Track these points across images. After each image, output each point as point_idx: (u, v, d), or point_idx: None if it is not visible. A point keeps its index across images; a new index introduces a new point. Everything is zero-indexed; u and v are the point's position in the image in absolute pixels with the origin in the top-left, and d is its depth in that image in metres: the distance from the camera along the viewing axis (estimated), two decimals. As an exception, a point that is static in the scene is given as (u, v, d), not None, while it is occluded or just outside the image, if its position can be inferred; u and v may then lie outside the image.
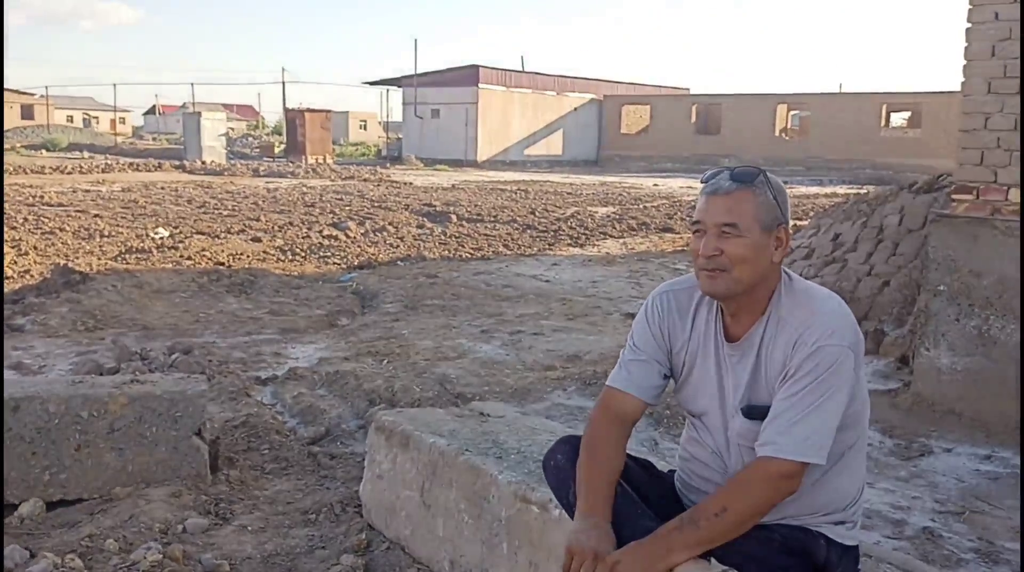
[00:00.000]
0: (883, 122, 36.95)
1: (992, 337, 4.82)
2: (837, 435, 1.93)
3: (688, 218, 16.41)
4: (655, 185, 27.42)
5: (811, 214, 15.56)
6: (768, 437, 1.90)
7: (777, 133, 39.98)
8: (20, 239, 11.13)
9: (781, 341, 1.97)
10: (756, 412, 1.98)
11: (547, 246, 12.82)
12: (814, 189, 26.69)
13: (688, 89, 49.01)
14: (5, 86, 55.58)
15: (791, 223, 2.06)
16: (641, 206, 19.06)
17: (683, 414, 4.52)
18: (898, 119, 41.05)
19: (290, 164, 32.27)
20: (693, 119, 42.06)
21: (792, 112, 43.17)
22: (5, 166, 25.45)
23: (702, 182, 2.05)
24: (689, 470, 2.20)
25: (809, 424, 1.87)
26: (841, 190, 25.42)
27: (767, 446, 1.89)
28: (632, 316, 7.80)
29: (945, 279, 5.00)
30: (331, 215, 15.29)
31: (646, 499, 2.08)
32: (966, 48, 4.93)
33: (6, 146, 39.93)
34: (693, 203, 19.57)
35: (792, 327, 1.96)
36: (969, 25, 4.91)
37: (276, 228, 13.44)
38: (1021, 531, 3.47)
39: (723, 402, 2.08)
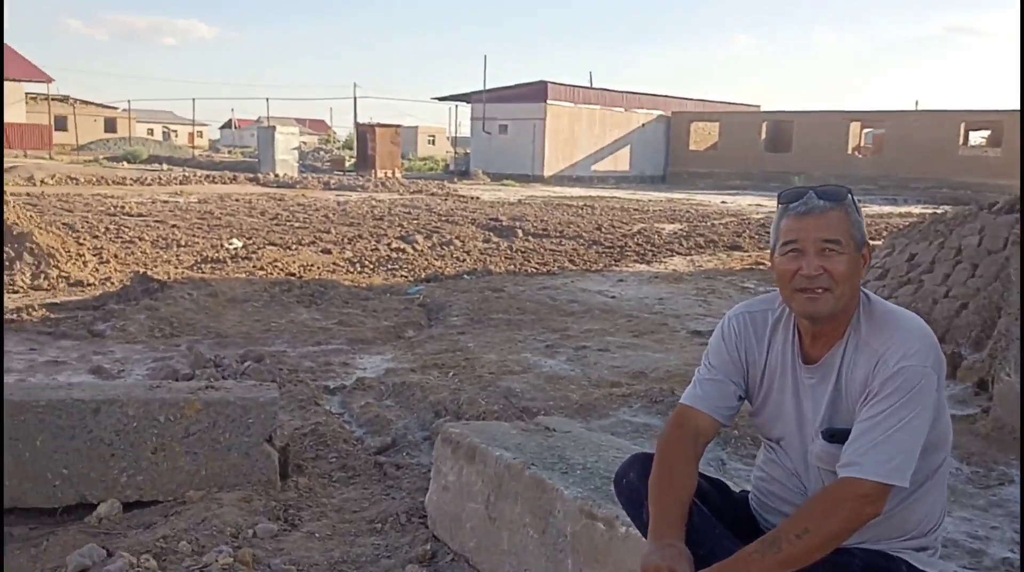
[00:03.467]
0: (961, 140, 35.99)
1: (1078, 363, 4.64)
2: (920, 459, 1.88)
3: (757, 237, 16.19)
4: (723, 202, 27.14)
5: (885, 234, 15.22)
6: (850, 458, 1.86)
7: (850, 151, 39.23)
8: (102, 247, 11.51)
9: (862, 362, 1.93)
10: (837, 435, 1.94)
11: (613, 262, 12.76)
12: (888, 208, 26.12)
13: (758, 106, 48.47)
14: (89, 100, 57.21)
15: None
16: (709, 223, 18.88)
17: (751, 434, 4.46)
18: (977, 138, 39.98)
19: (360, 178, 32.75)
20: (763, 136, 41.56)
21: (866, 130, 42.37)
22: (90, 177, 26.36)
23: (784, 202, 2.00)
24: (767, 491, 2.16)
25: (892, 446, 1.83)
26: (916, 210, 24.83)
27: (850, 467, 1.85)
28: (699, 334, 7.73)
29: (1028, 302, 4.84)
30: (399, 228, 15.47)
31: (721, 519, 2.05)
32: (1053, 65, 4.79)
33: (90, 158, 41.35)
34: (762, 222, 19.34)
35: (873, 348, 1.92)
36: (1056, 41, 4.76)
37: (345, 240, 13.66)
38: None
39: (802, 425, 2.05)
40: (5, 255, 9.60)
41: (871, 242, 2.01)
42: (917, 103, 47.34)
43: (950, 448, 2.04)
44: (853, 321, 1.98)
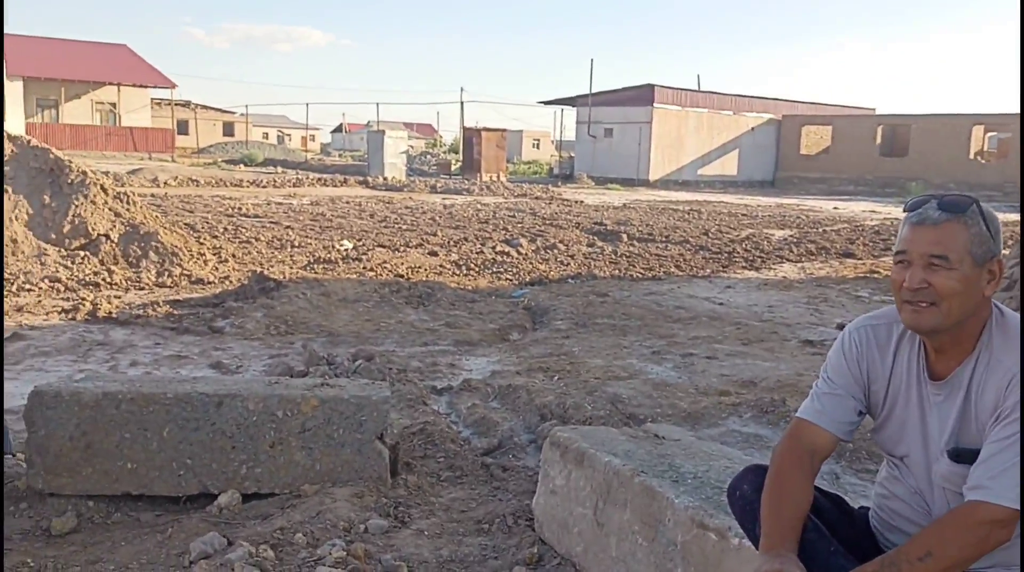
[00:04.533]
0: (1096, 144, 34.00)
1: None
2: None
3: (871, 245, 15.67)
4: (835, 208, 26.36)
5: (1010, 243, 14.50)
6: (978, 480, 1.78)
7: (972, 155, 37.55)
8: (221, 247, 11.98)
9: (993, 380, 1.84)
10: (964, 455, 1.86)
11: (721, 268, 12.55)
12: (1013, 216, 24.85)
13: (873, 109, 46.96)
14: (210, 105, 59.60)
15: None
16: (820, 230, 18.37)
17: (866, 448, 4.32)
18: (1113, 141, 37.67)
19: (465, 181, 33.17)
20: (878, 140, 40.19)
21: (989, 134, 40.47)
22: (209, 179, 27.49)
23: (906, 210, 1.95)
24: (888, 509, 2.09)
25: None
26: (1045, 217, 23.57)
27: (978, 490, 1.77)
28: (811, 343, 7.53)
29: None
30: (504, 232, 15.59)
31: (837, 536, 1.99)
32: None
33: (209, 160, 43.10)
34: (876, 229, 18.70)
35: (1005, 365, 1.83)
36: None
37: (452, 243, 13.85)
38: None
39: (927, 444, 1.97)
40: (132, 253, 10.11)
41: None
42: (1047, 105, 44.87)
43: None
44: (984, 337, 1.90)
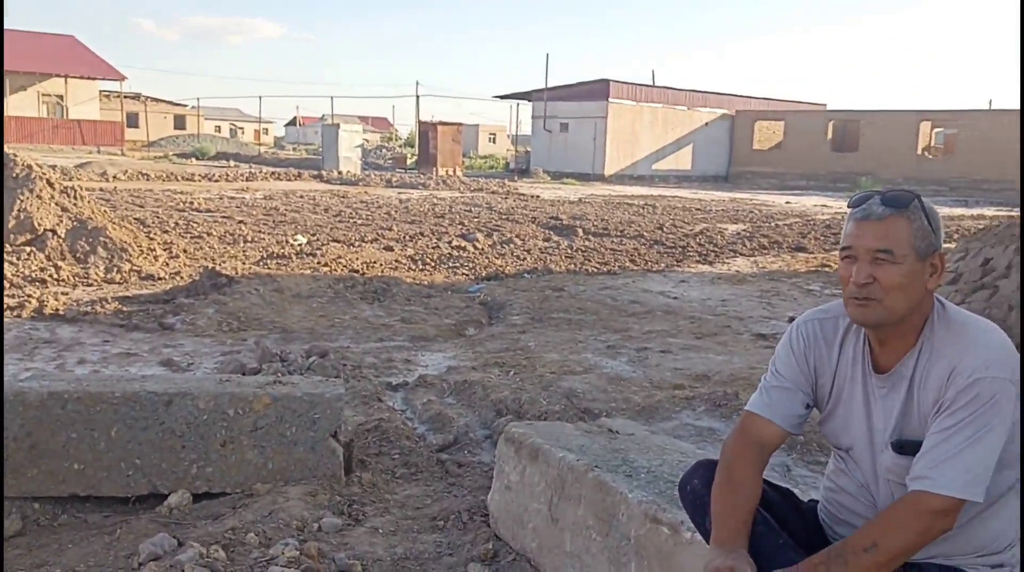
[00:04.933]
0: (1037, 141, 34.86)
1: None
2: (996, 473, 1.82)
3: (822, 239, 15.91)
4: (788, 203, 26.71)
5: (956, 237, 14.81)
6: (921, 471, 1.82)
7: (920, 151, 38.30)
8: (171, 242, 11.80)
9: (935, 372, 1.88)
10: (907, 447, 1.90)
11: (675, 262, 12.65)
12: (959, 210, 25.43)
13: (824, 105, 47.58)
14: (160, 97, 58.58)
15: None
16: (773, 224, 18.60)
17: (817, 441, 4.39)
18: (1054, 138, 38.65)
19: (421, 176, 33.03)
20: (829, 135, 40.81)
21: (936, 129, 41.31)
22: (160, 173, 27.04)
23: (850, 206, 1.98)
24: (836, 502, 2.12)
25: (965, 459, 1.78)
26: (989, 212, 24.13)
27: (920, 480, 1.81)
28: (763, 337, 7.62)
29: (1110, 310, 4.67)
30: (460, 226, 15.56)
31: (787, 529, 2.01)
32: None
33: (160, 154, 42.42)
34: (828, 223, 18.98)
35: (947, 358, 1.87)
36: None
37: (407, 238, 13.78)
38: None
39: (871, 436, 2.00)
40: (80, 249, 9.90)
41: (943, 246, 1.94)
42: (991, 103, 45.98)
43: None
44: (926, 330, 1.93)
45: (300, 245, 12.41)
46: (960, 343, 1.87)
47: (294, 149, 62.17)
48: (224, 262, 10.48)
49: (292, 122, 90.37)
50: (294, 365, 5.89)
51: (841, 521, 2.09)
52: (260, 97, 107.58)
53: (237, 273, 9.44)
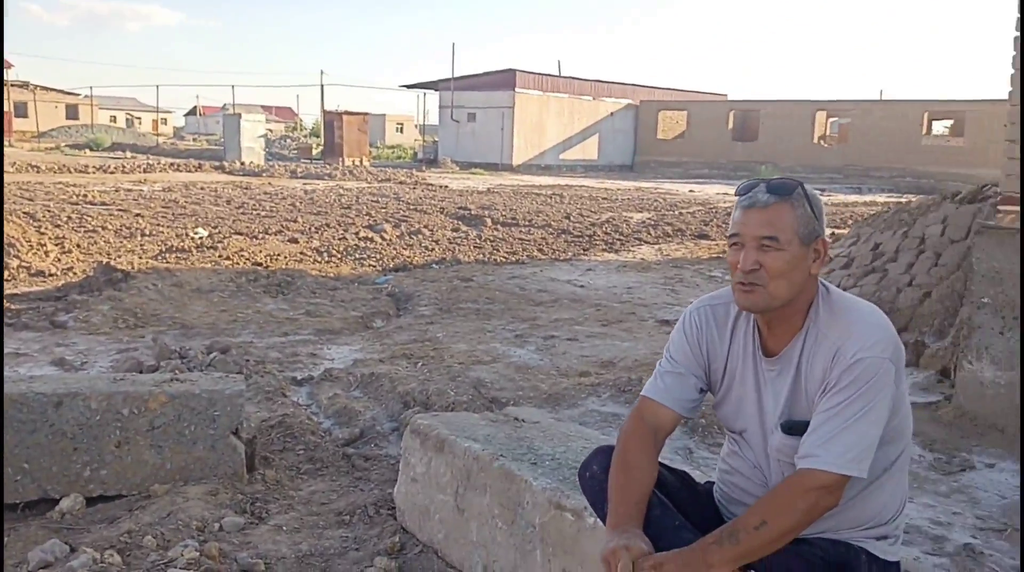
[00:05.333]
0: (925, 130, 36.45)
1: (1037, 351, 4.73)
2: (879, 449, 1.90)
3: (724, 226, 16.31)
4: (691, 191, 27.27)
5: (850, 222, 15.38)
6: (808, 450, 1.87)
7: (815, 140, 39.60)
8: (64, 237, 11.33)
9: (820, 354, 1.94)
10: (796, 428, 1.95)
11: (582, 251, 12.79)
12: (852, 197, 26.40)
13: (725, 95, 48.74)
14: (50, 86, 56.26)
15: (831, 232, 2.03)
16: (677, 212, 18.97)
17: (718, 424, 4.49)
18: (940, 127, 40.50)
19: (327, 166, 32.54)
20: (730, 125, 41.82)
21: (831, 119, 42.77)
22: (51, 165, 25.92)
23: (737, 194, 2.03)
24: (730, 483, 2.18)
25: (849, 437, 1.85)
26: (880, 199, 25.11)
27: (807, 459, 1.87)
28: (667, 323, 7.77)
29: (989, 291, 4.91)
30: (367, 217, 15.38)
31: (683, 511, 2.05)
32: (1013, 57, 4.85)
33: (51, 145, 40.67)
34: (729, 210, 19.46)
35: (831, 340, 1.93)
36: (1017, 33, 4.82)
37: (313, 229, 13.56)
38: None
39: (763, 418, 2.06)
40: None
41: (836, 231, 2.02)
42: (881, 93, 47.80)
43: (910, 439, 2.06)
44: (811, 313, 1.99)
45: (201, 238, 12.08)
46: (843, 325, 1.93)
47: (195, 140, 60.38)
48: (120, 257, 10.12)
49: (192, 112, 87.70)
50: (194, 362, 5.73)
51: (735, 501, 2.15)
52: (158, 86, 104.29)
53: (134, 268, 9.13)
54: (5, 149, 33.61)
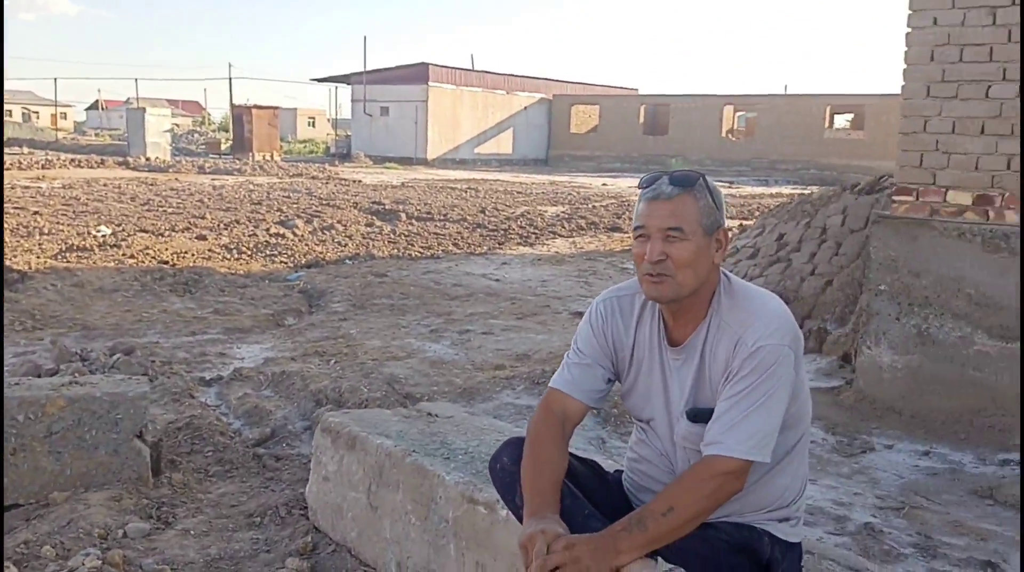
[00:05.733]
0: (827, 123, 37.62)
1: (931, 336, 4.94)
2: (780, 434, 1.94)
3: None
4: (604, 184, 27.57)
5: (757, 214, 15.77)
6: (712, 436, 1.91)
7: (724, 134, 40.46)
8: (-46, 236, 10.80)
9: (723, 343, 1.98)
10: (701, 415, 1.99)
11: (497, 245, 12.81)
12: (760, 189, 27.08)
13: (636, 89, 49.40)
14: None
15: (739, 223, 2.07)
16: (590, 205, 19.16)
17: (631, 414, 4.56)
18: (842, 121, 41.84)
19: (237, 161, 31.82)
20: (641, 119, 42.40)
21: (739, 113, 43.75)
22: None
23: (640, 187, 2.05)
24: (639, 471, 2.21)
25: (752, 423, 1.89)
26: (786, 190, 25.82)
27: (712, 445, 1.90)
28: (581, 315, 7.83)
29: (886, 279, 5.11)
30: (278, 213, 15.09)
31: (593, 500, 2.07)
32: (905, 52, 5.04)
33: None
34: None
35: (733, 328, 1.97)
36: (909, 30, 5.01)
37: (222, 226, 13.24)
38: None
39: (669, 407, 2.09)
40: None
41: (744, 222, 2.07)
42: (786, 87, 49.24)
43: (809, 423, 2.13)
44: (714, 303, 2.03)
45: (104, 236, 11.67)
46: (744, 314, 1.98)
47: (97, 134, 58.31)
48: (16, 257, 9.70)
49: (94, 106, 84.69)
50: (96, 364, 5.54)
51: (644, 489, 2.18)
52: (55, 79, 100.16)
53: (31, 268, 8.78)
54: None
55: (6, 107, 68.20)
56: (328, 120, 61.52)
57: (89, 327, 6.73)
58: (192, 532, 3.29)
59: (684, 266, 1.95)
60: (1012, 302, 4.66)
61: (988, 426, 4.69)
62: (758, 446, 1.89)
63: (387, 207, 16.48)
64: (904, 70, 5.06)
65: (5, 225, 12.31)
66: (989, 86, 4.75)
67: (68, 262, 9.56)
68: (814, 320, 6.33)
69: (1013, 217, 4.71)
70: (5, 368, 5.62)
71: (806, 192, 12.87)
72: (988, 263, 4.73)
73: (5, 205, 15.04)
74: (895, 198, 5.17)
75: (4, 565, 2.89)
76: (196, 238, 12.04)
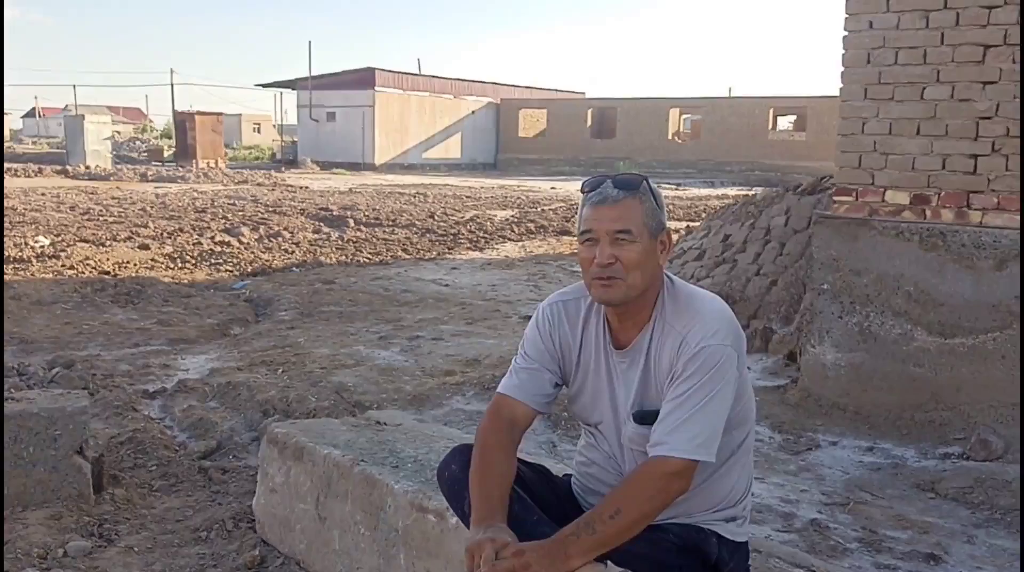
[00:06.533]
0: (771, 125, 38.24)
1: (873, 333, 5.03)
2: (725, 434, 1.96)
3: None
4: (552, 188, 27.67)
5: (703, 216, 15.96)
6: (658, 437, 1.92)
7: (670, 136, 40.90)
8: None
9: (667, 345, 1.99)
10: (647, 417, 2.00)
11: (446, 250, 12.78)
12: (706, 191, 27.41)
13: (584, 93, 49.71)
14: None
15: (685, 225, 2.09)
16: (539, 209, 19.21)
17: (581, 416, 4.57)
18: (785, 123, 42.55)
19: (180, 169, 31.30)
20: (589, 123, 42.66)
21: (684, 116, 44.25)
22: None
23: (583, 191, 2.05)
24: (588, 475, 2.21)
25: (697, 423, 1.90)
26: (732, 192, 26.16)
27: (657, 446, 1.91)
28: (530, 318, 7.85)
29: (828, 278, 5.19)
30: (223, 221, 14.87)
31: (542, 505, 2.07)
32: (843, 55, 5.14)
33: None
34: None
35: (677, 330, 1.98)
36: (846, 33, 5.11)
37: (165, 235, 13.00)
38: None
39: (616, 410, 2.10)
40: None
41: (691, 224, 2.08)
42: (731, 90, 49.91)
43: (754, 422, 2.15)
44: (658, 305, 2.04)
45: (42, 247, 11.38)
46: (687, 316, 1.99)
47: (34, 143, 56.90)
48: (-50, 269, 9.42)
49: (31, 113, 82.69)
50: (34, 379, 5.40)
51: (592, 492, 2.18)
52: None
53: (-35, 281, 8.52)
54: None
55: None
56: (274, 126, 60.80)
57: (27, 341, 6.55)
58: (136, 549, 3.22)
59: (634, 268, 1.96)
60: (949, 299, 4.77)
61: (929, 421, 4.79)
62: (703, 445, 1.90)
63: (335, 213, 16.34)
64: (842, 72, 5.16)
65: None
66: (924, 88, 4.86)
67: (4, 275, 9.30)
68: (760, 320, 6.41)
69: (949, 215, 4.83)
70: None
71: (751, 193, 13.06)
72: (926, 261, 4.84)
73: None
74: (835, 198, 5.26)
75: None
76: (138, 247, 11.80)
